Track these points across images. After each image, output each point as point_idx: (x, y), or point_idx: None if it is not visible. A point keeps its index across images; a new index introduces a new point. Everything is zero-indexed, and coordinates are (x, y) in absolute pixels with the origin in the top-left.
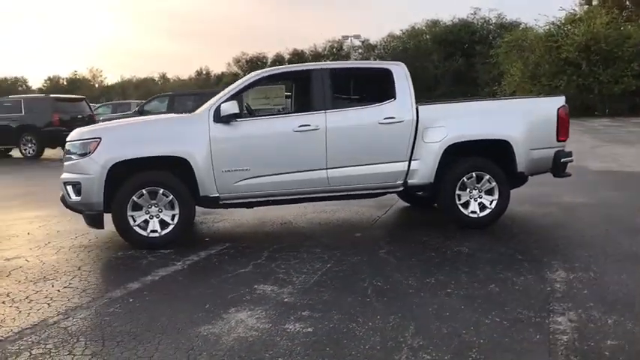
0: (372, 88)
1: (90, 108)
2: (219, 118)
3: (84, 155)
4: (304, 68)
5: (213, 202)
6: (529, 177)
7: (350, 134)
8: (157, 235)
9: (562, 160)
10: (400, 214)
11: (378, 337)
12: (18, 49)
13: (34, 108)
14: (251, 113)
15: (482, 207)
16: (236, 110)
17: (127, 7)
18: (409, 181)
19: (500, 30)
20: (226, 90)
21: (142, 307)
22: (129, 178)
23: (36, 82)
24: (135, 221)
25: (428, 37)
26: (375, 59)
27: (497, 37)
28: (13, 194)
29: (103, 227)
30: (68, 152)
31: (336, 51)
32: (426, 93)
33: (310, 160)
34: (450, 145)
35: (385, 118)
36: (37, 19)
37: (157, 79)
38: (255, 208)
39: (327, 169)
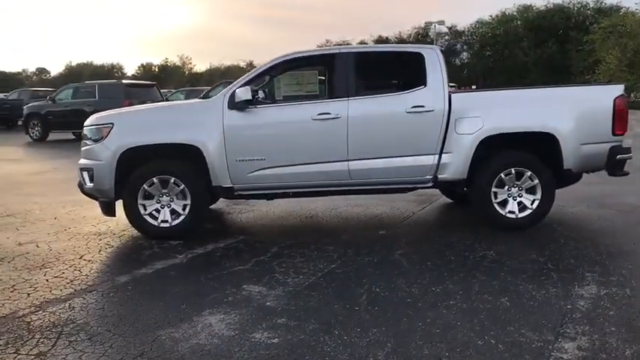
0: (401, 73)
1: (160, 94)
2: (233, 104)
3: (97, 141)
4: (326, 52)
5: (228, 193)
6: (582, 174)
7: (374, 123)
8: (167, 225)
9: (618, 156)
10: (437, 212)
11: (346, 354)
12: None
13: (107, 93)
14: (272, 99)
15: (522, 207)
16: (248, 97)
17: None
18: (439, 176)
19: (597, 15)
20: (245, 75)
21: (119, 302)
22: (140, 166)
23: (130, 68)
24: (145, 210)
25: (519, 22)
26: (462, 46)
27: (595, 23)
28: (67, 178)
29: (114, 215)
30: (85, 137)
31: (421, 37)
32: (515, 81)
33: (330, 151)
34: (485, 138)
35: (414, 107)
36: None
37: (243, 66)
38: (286, 199)
39: (348, 160)
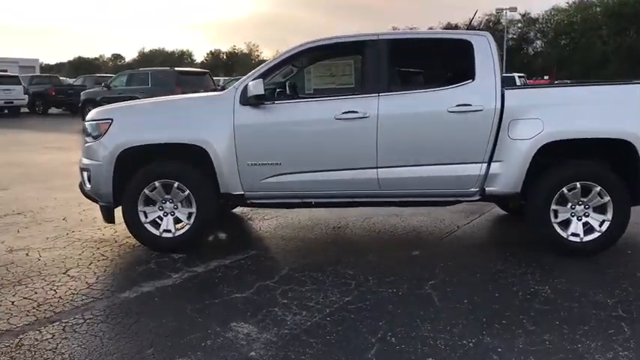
0: (444, 65)
1: (213, 82)
2: (246, 99)
3: (96, 138)
4: (354, 39)
5: (238, 201)
6: None
7: (409, 124)
8: (170, 235)
9: None
10: (487, 227)
11: None
12: (187, 24)
13: (160, 80)
14: (298, 94)
15: (589, 229)
16: (260, 91)
17: None
18: (487, 189)
19: None
20: (261, 66)
21: (77, 341)
22: (141, 168)
23: (200, 55)
24: (146, 218)
25: (598, 9)
26: (536, 34)
27: None
28: None
29: (114, 222)
30: (85, 133)
31: (493, 25)
32: (592, 72)
33: (356, 156)
34: (545, 144)
35: (458, 105)
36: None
37: None
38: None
39: (377, 168)
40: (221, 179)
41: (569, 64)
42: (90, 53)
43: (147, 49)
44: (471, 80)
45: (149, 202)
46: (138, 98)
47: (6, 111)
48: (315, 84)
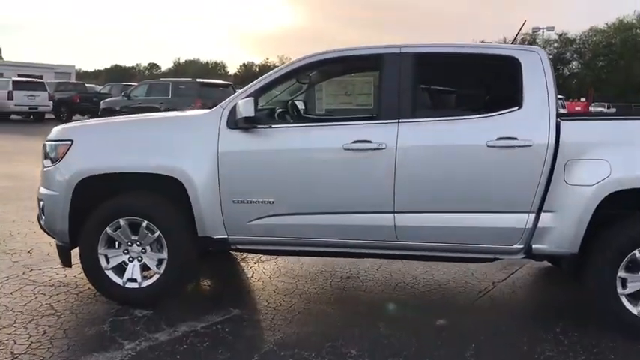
0: (484, 87)
1: None
2: (234, 122)
3: (54, 162)
4: (370, 52)
5: (221, 246)
6: None
7: (436, 160)
8: (135, 285)
9: None
10: (529, 284)
11: None
12: (223, 35)
13: (181, 91)
14: (297, 116)
15: None
16: (250, 113)
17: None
18: (535, 246)
19: None
20: (256, 81)
21: None
22: (103, 202)
23: (233, 67)
24: (108, 263)
25: (638, 31)
26: (572, 55)
27: None
28: None
29: (70, 265)
30: (45, 155)
31: (528, 44)
32: (631, 97)
33: (369, 197)
34: (613, 193)
35: (500, 139)
36: (240, 8)
37: None
38: None
39: (394, 213)
40: (200, 219)
41: (606, 87)
42: (128, 61)
43: (182, 60)
44: (517, 107)
45: (112, 243)
46: (157, 109)
47: (31, 117)
48: (327, 103)
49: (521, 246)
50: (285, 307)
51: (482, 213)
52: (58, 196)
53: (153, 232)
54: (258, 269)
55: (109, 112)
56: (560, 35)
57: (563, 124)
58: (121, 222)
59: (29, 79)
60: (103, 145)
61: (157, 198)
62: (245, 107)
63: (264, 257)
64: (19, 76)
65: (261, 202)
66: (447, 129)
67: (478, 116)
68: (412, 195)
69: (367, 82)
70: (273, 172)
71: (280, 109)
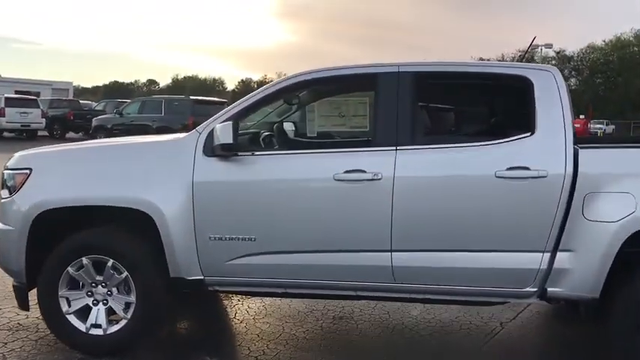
0: (491, 110)
1: None
2: (211, 149)
3: (11, 193)
4: (363, 71)
5: (195, 288)
6: None
7: (439, 193)
8: (100, 332)
9: None
10: (541, 325)
11: None
12: (221, 52)
13: (174, 109)
14: (284, 141)
15: None
16: (228, 139)
17: (315, 16)
18: (550, 290)
19: None
20: (237, 102)
21: None
22: (65, 238)
23: (231, 84)
24: (69, 306)
25: (636, 49)
26: (570, 72)
27: None
28: None
29: (27, 309)
30: (3, 185)
31: (526, 62)
32: (629, 114)
33: (362, 234)
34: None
35: (511, 169)
36: (238, 26)
37: None
38: None
39: (391, 251)
40: (172, 258)
41: (605, 104)
42: (126, 78)
43: (181, 76)
44: (529, 133)
45: (74, 284)
46: (149, 127)
47: (24, 134)
48: (319, 125)
49: (535, 289)
50: (269, 356)
51: (490, 252)
52: (14, 232)
53: (120, 273)
54: (242, 308)
55: (101, 129)
56: (558, 52)
57: (582, 152)
58: (84, 260)
59: (21, 96)
60: (65, 174)
61: (125, 234)
62: (223, 133)
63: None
64: (16, 92)
65: (242, 238)
66: (451, 157)
67: (485, 143)
68: (411, 231)
69: (362, 102)
70: (256, 205)
71: (266, 133)
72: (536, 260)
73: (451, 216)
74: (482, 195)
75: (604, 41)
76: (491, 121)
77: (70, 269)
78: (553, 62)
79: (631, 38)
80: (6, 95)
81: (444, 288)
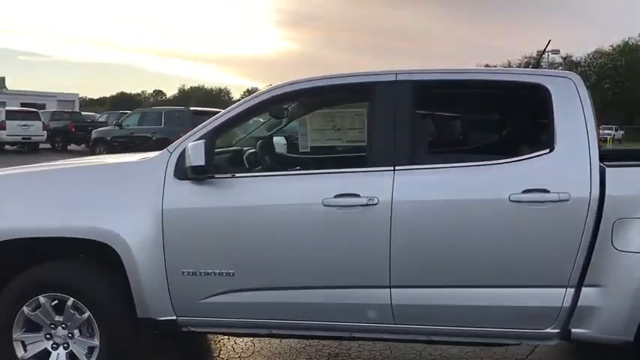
0: (503, 124)
1: None
2: (182, 171)
3: None
4: (359, 80)
5: (167, 329)
6: None
7: (444, 220)
8: None
9: None
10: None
11: None
12: (227, 62)
13: (174, 120)
14: (268, 161)
15: None
16: (200, 161)
17: (321, 25)
18: (574, 331)
19: None
20: (214, 117)
21: None
22: (18, 274)
23: (237, 93)
24: (25, 351)
25: None
26: None
27: None
28: None
29: None
30: None
31: (533, 68)
32: (637, 120)
33: (357, 268)
34: None
35: (527, 191)
36: (244, 35)
37: None
38: None
39: (390, 287)
40: (139, 296)
41: (613, 109)
42: (133, 89)
43: (187, 86)
44: (547, 150)
45: (31, 326)
46: (149, 139)
47: (25, 147)
48: (313, 139)
49: (557, 330)
50: None
51: (505, 288)
52: None
53: (81, 313)
54: (228, 345)
55: (101, 142)
56: (565, 58)
57: (610, 172)
58: (42, 299)
59: (22, 109)
60: (16, 201)
61: (87, 269)
62: (194, 153)
63: None
64: (21, 105)
65: (220, 273)
66: (457, 179)
67: (497, 162)
68: (413, 264)
69: (359, 114)
70: (235, 236)
71: (251, 150)
72: (557, 297)
73: (458, 247)
74: (495, 222)
75: (611, 46)
76: (503, 136)
77: (25, 309)
78: (560, 68)
79: (639, 43)
80: (7, 108)
81: (452, 329)
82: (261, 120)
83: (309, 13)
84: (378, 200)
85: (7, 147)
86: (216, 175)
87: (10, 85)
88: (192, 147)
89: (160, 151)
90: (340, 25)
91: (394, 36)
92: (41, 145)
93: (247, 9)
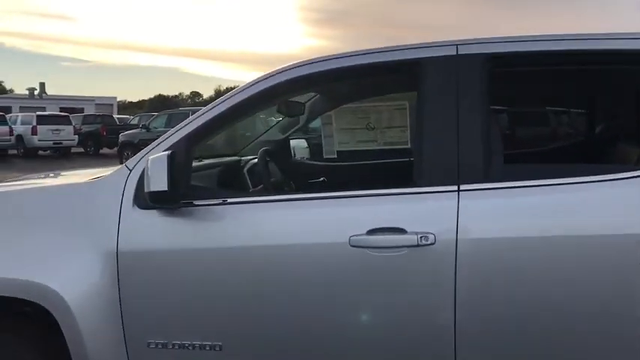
0: (621, 118)
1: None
2: (144, 198)
3: None
4: (400, 57)
5: None
6: None
7: (538, 268)
8: None
9: None
10: None
11: None
12: (259, 61)
13: None
14: (277, 178)
15: None
16: (160, 185)
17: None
18: None
19: None
20: (189, 120)
21: None
22: None
23: None
24: None
25: None
26: None
27: None
28: None
29: None
30: None
31: None
32: None
33: (402, 339)
34: None
35: None
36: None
37: None
38: None
39: None
40: None
41: None
42: (171, 91)
43: (223, 87)
44: None
45: None
46: None
47: (57, 152)
48: (340, 143)
49: None
50: None
51: None
52: None
53: None
54: None
55: (128, 145)
56: None
57: None
58: None
59: (53, 113)
60: None
61: (11, 335)
62: (155, 172)
63: None
64: (60, 109)
65: (202, 346)
66: (557, 203)
67: (619, 176)
68: (490, 335)
69: (399, 107)
70: (225, 291)
71: (254, 162)
72: None
73: (560, 310)
74: (617, 271)
75: None
76: (624, 137)
77: None
78: None
79: None
80: (38, 113)
81: None
82: (274, 119)
83: (344, 9)
84: (435, 239)
85: (40, 152)
86: (197, 202)
87: (53, 90)
88: (153, 163)
89: (118, 167)
90: (382, 21)
91: (424, 29)
92: (73, 150)
93: (281, 8)
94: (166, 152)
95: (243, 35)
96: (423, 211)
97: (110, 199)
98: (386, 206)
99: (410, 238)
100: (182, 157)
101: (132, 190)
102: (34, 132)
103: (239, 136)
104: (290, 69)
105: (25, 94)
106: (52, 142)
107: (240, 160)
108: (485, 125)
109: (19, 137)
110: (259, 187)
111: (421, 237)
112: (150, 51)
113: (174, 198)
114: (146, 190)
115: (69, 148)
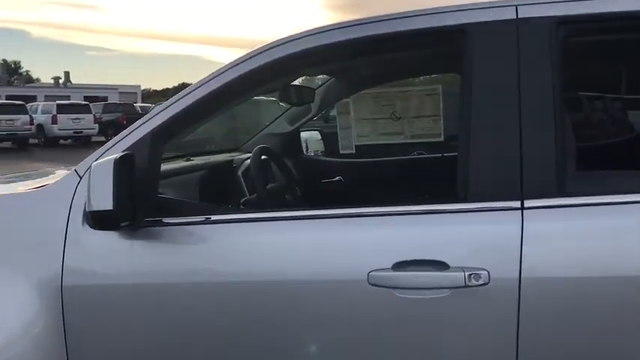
0: None
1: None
2: (95, 214)
3: None
4: (440, 23)
5: None
6: None
7: (633, 315)
8: None
9: None
10: None
11: None
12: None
13: None
14: (269, 185)
15: None
16: (104, 204)
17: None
18: None
19: None
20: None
21: None
22: None
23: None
24: None
25: None
26: None
27: None
28: None
29: None
30: None
31: None
32: None
33: None
34: None
35: None
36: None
37: None
38: None
39: None
40: None
41: None
42: (194, 79)
43: None
44: None
45: None
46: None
47: (77, 141)
48: (359, 136)
49: None
50: None
51: None
52: None
53: None
54: None
55: None
56: None
57: None
58: None
59: (73, 102)
60: None
61: None
62: (97, 185)
63: None
64: (84, 98)
65: None
66: None
67: None
68: None
69: (431, 92)
70: (203, 338)
71: (248, 161)
72: None
73: None
74: None
75: None
76: None
77: None
78: None
79: None
80: (57, 102)
81: None
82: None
83: None
84: (489, 277)
85: (61, 141)
86: (167, 220)
87: (78, 79)
88: (95, 172)
89: (66, 173)
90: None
91: None
92: (94, 139)
93: None
94: (114, 156)
95: (268, 23)
96: (473, 238)
97: (53, 216)
98: (417, 228)
99: (454, 276)
100: (145, 159)
101: (81, 205)
102: (54, 121)
103: (241, 127)
104: (304, 35)
105: (51, 83)
106: (72, 130)
107: (232, 160)
108: (559, 117)
109: (40, 127)
110: (253, 196)
111: (470, 275)
112: (174, 39)
113: (125, 219)
114: (87, 208)
115: (89, 137)
